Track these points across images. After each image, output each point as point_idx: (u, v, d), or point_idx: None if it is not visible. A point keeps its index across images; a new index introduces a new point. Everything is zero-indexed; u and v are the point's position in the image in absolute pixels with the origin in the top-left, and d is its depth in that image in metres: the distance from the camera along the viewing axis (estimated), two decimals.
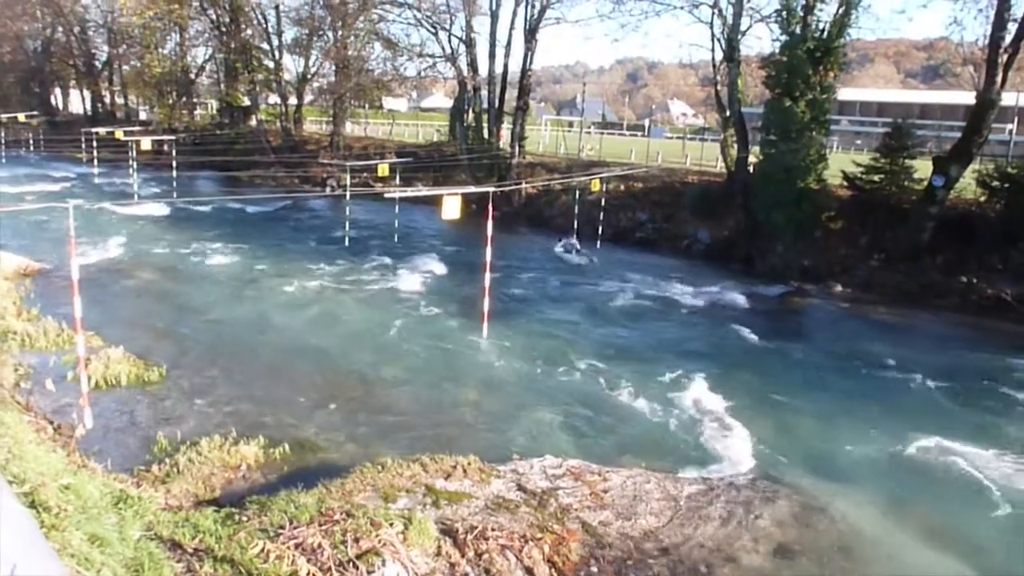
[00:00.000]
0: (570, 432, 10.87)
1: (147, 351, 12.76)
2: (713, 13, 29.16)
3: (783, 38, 24.08)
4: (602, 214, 25.05)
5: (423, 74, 42.70)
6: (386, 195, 21.80)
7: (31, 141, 52.56)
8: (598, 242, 25.11)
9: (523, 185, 28.39)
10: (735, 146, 28.22)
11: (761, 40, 67.45)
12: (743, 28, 28.37)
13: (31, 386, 10.56)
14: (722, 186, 28.76)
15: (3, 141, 51.79)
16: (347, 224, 23.71)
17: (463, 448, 9.29)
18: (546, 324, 16.88)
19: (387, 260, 22.59)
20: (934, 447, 10.85)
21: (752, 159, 27.31)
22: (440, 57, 39.15)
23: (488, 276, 14.19)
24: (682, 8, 30.95)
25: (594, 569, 7.17)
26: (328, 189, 35.09)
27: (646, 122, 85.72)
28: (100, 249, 21.73)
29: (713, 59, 30.19)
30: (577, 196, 25.90)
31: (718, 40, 29.27)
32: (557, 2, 34.52)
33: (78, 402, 9.61)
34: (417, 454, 8.85)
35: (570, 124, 66.10)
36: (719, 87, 29.99)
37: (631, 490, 8.69)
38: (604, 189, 25.81)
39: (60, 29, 70.12)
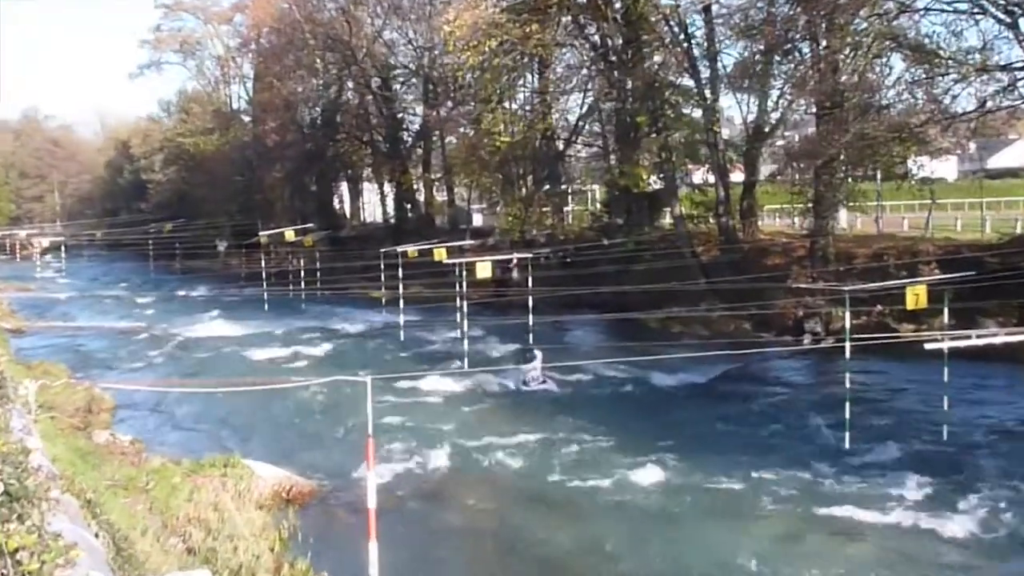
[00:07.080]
0: None
1: None
2: None
3: None
4: None
5: (991, 102, 26.56)
6: (926, 345, 12.24)
7: (302, 273, 36.59)
8: None
9: None
10: None
11: None
12: None
13: None
14: None
15: (263, 275, 35.56)
16: (846, 404, 13.79)
17: None
18: None
19: (926, 473, 12.69)
20: None
21: None
22: (1021, 66, 23.73)
23: None
24: None
25: None
26: (807, 338, 23.06)
27: None
28: (404, 451, 14.64)
29: None
30: None
31: None
32: None
33: None
34: None
35: None
36: None
37: None
38: None
39: (350, 86, 49.13)
